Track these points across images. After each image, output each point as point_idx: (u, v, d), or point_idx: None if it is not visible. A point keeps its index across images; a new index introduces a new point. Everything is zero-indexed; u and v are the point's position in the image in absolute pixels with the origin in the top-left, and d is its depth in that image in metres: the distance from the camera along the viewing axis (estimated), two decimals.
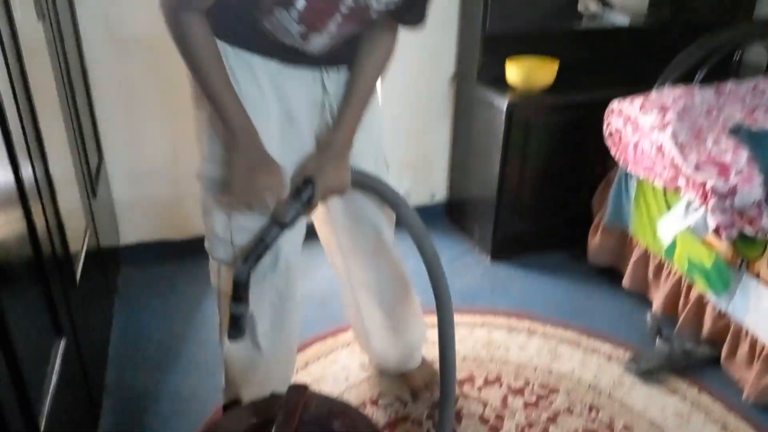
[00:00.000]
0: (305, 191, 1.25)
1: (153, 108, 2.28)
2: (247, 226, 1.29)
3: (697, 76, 2.18)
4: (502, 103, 2.25)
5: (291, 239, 1.34)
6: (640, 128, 1.93)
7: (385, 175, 1.47)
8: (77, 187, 1.76)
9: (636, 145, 1.96)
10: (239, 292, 1.22)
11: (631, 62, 2.59)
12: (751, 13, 2.64)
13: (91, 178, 1.99)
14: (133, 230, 2.45)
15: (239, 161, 1.22)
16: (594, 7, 2.51)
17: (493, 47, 2.37)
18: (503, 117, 2.25)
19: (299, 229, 1.40)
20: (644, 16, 2.63)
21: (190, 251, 2.51)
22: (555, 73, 2.28)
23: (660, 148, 1.85)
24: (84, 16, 2.09)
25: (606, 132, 2.09)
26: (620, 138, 2.03)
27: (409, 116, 2.65)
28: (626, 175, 2.11)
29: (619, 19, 2.51)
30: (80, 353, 1.47)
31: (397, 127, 2.61)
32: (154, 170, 2.37)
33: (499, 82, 2.36)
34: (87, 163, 1.95)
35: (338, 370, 1.90)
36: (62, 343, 1.30)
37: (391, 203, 1.41)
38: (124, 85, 2.22)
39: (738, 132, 1.85)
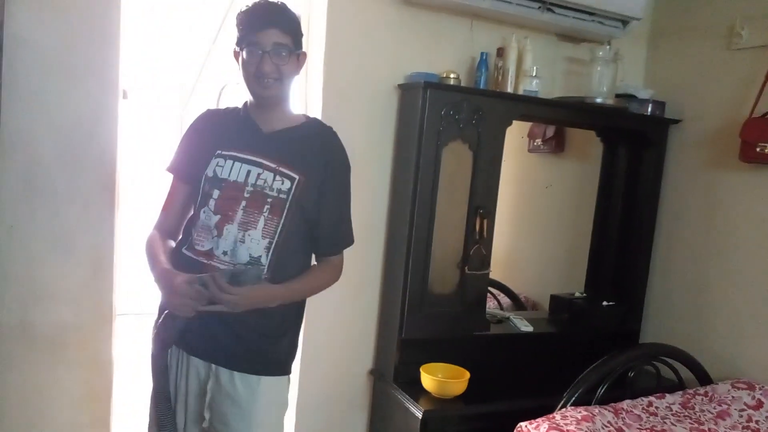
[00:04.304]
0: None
1: None
2: None
3: (597, 392, 2.33)
4: (417, 411, 2.30)
5: None
6: None
7: None
8: None
9: None
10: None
11: (537, 365, 2.75)
12: (639, 323, 2.94)
13: None
14: None
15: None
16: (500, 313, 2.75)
17: (409, 350, 2.49)
18: (418, 424, 2.29)
19: None
20: (546, 323, 2.88)
21: None
22: (467, 384, 2.39)
23: None
24: None
25: None
26: None
27: (326, 408, 2.64)
28: None
29: (524, 325, 2.73)
30: None
31: (315, 418, 2.59)
32: None
33: (415, 385, 2.42)
34: None
35: None
36: None
37: None
38: None
39: None
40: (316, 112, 2.41)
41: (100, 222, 2.24)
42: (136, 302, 3.95)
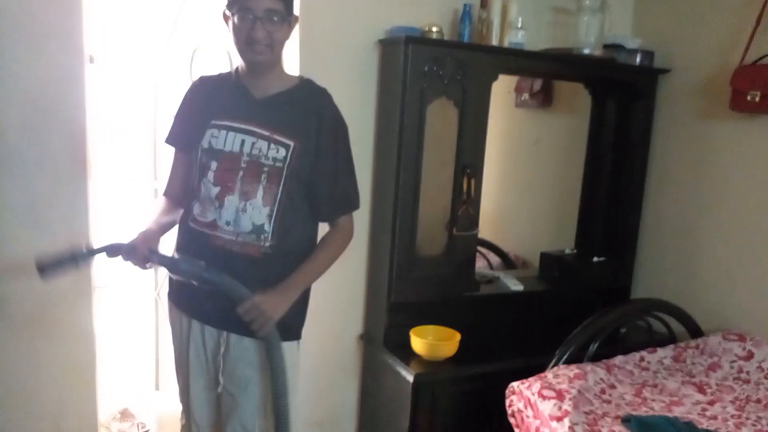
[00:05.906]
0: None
1: None
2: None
3: (589, 349, 2.32)
4: (408, 375, 2.28)
5: None
6: (540, 414, 1.98)
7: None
8: None
9: (538, 430, 1.99)
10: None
11: (528, 324, 2.73)
12: (630, 279, 2.92)
13: None
14: None
15: None
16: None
17: (398, 314, 2.45)
18: (410, 388, 2.27)
19: None
20: (536, 281, 2.85)
21: None
22: (457, 345, 2.36)
23: None
24: None
25: (508, 411, 2.13)
26: (522, 419, 2.07)
27: (316, 374, 2.61)
28: None
29: (514, 284, 2.70)
30: None
31: (306, 384, 2.56)
32: None
33: (405, 348, 2.40)
34: None
35: None
36: None
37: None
38: None
39: (629, 421, 1.93)
40: (292, 72, 2.31)
41: (72, 193, 2.17)
42: (116, 273, 3.88)
